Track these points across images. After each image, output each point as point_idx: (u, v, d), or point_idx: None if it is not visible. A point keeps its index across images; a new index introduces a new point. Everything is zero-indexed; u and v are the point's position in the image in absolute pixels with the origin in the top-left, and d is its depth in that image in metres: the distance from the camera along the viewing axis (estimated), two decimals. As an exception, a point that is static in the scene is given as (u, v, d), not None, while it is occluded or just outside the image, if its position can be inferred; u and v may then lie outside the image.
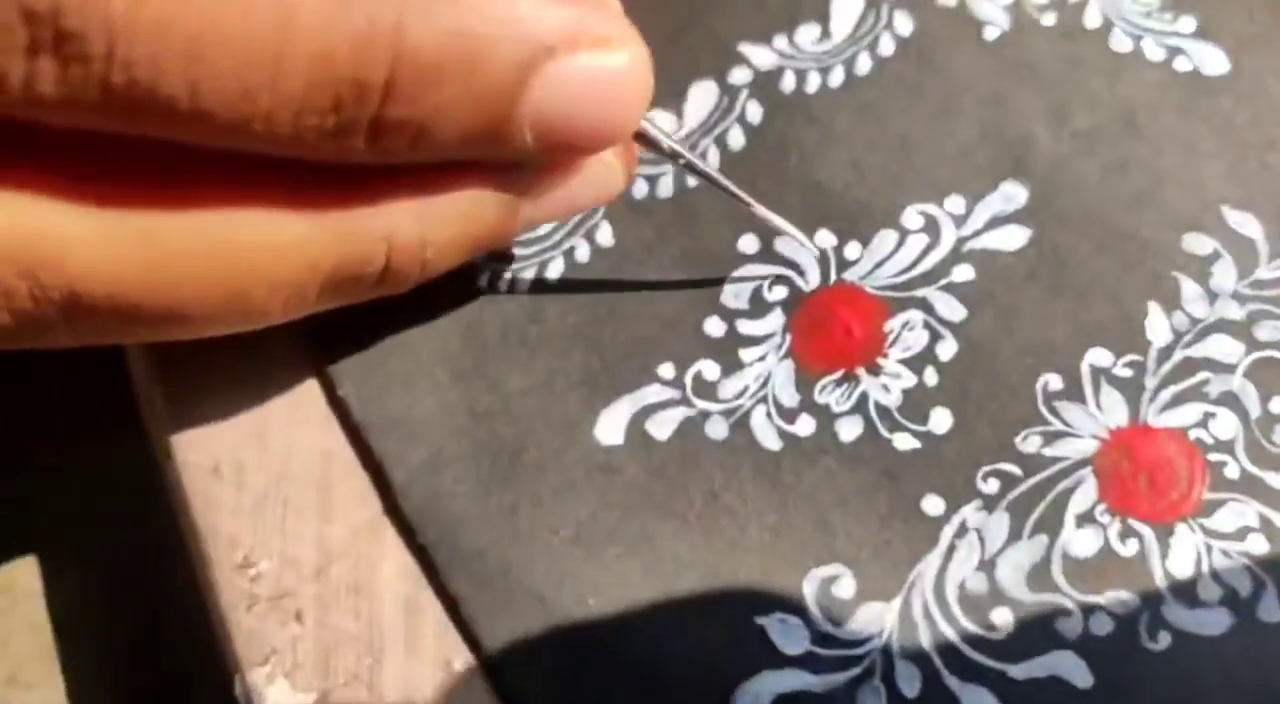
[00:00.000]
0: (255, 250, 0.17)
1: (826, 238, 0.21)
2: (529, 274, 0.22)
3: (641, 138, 0.19)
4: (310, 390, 0.22)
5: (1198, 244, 0.20)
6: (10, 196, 0.15)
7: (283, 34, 0.14)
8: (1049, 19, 0.22)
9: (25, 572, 0.31)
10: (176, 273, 0.16)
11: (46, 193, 0.15)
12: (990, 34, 0.22)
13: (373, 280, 0.18)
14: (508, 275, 0.22)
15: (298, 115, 0.15)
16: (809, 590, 0.19)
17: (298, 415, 0.22)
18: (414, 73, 0.15)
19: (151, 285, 0.16)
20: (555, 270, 0.22)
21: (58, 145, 0.15)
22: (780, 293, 0.21)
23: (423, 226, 0.18)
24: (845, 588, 0.19)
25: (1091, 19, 0.22)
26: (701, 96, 0.23)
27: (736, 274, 0.21)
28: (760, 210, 0.20)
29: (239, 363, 0.22)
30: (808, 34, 0.23)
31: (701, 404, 0.21)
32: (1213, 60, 0.22)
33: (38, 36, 0.13)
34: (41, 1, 0.13)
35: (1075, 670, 0.18)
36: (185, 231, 0.16)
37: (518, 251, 0.22)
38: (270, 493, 0.21)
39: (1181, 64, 0.22)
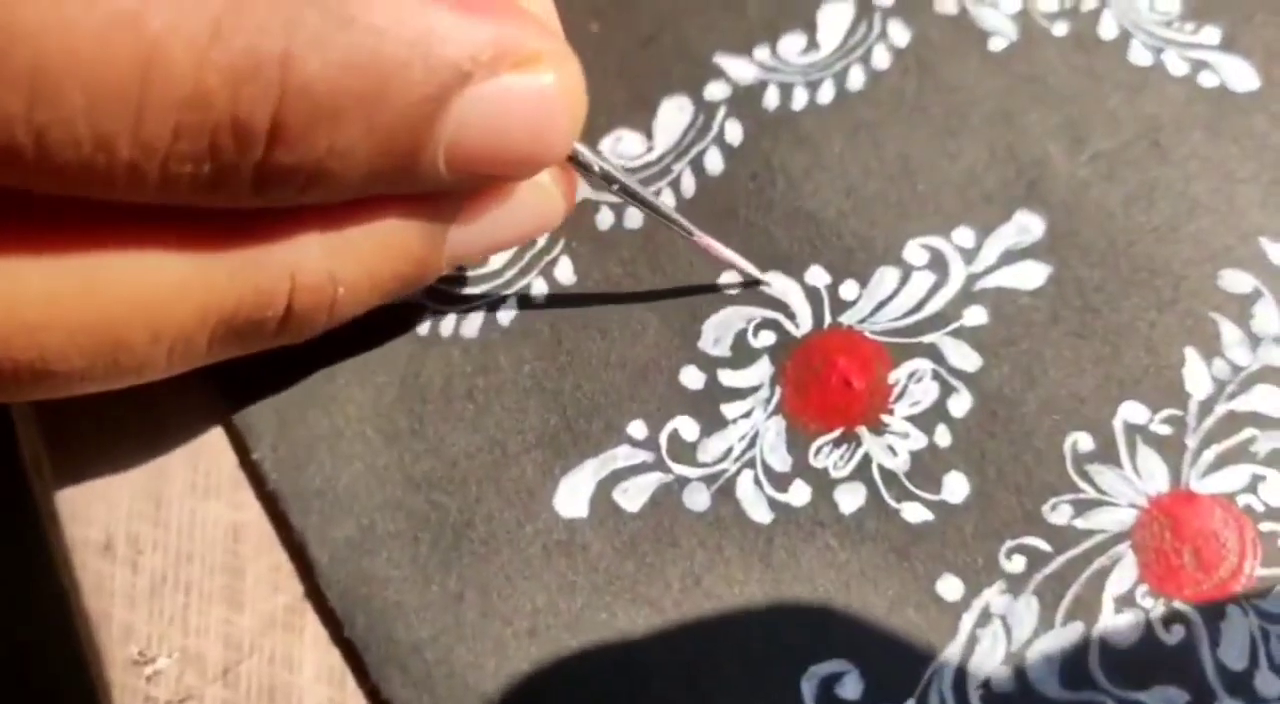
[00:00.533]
0: (131, 294, 0.15)
1: (819, 275, 0.20)
2: (477, 318, 0.20)
3: (575, 161, 0.18)
4: (217, 452, 0.20)
5: (1236, 281, 0.19)
6: None
7: (144, 71, 0.13)
8: (1060, 29, 0.21)
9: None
10: (38, 319, 0.15)
11: None
12: (996, 45, 0.21)
13: (274, 326, 0.17)
14: (451, 319, 0.20)
15: (165, 164, 0.14)
16: (808, 691, 0.17)
17: (202, 482, 0.20)
18: (306, 111, 0.14)
19: (7, 334, 0.15)
20: (507, 313, 0.20)
21: None
22: (768, 338, 0.20)
23: (331, 262, 0.16)
24: (850, 688, 0.17)
25: (1107, 29, 0.21)
26: (673, 114, 0.21)
27: (716, 317, 0.20)
28: (705, 240, 0.19)
29: (135, 421, 0.20)
30: (792, 44, 0.22)
31: (679, 469, 0.19)
32: (1241, 75, 0.20)
33: None
34: None
35: (1120, 782, 0.16)
36: (48, 273, 0.15)
37: (464, 292, 0.21)
38: (169, 575, 0.19)
39: (1207, 79, 0.20)
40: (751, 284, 0.20)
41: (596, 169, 0.18)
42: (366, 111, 0.14)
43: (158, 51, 0.13)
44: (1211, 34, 0.21)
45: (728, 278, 0.20)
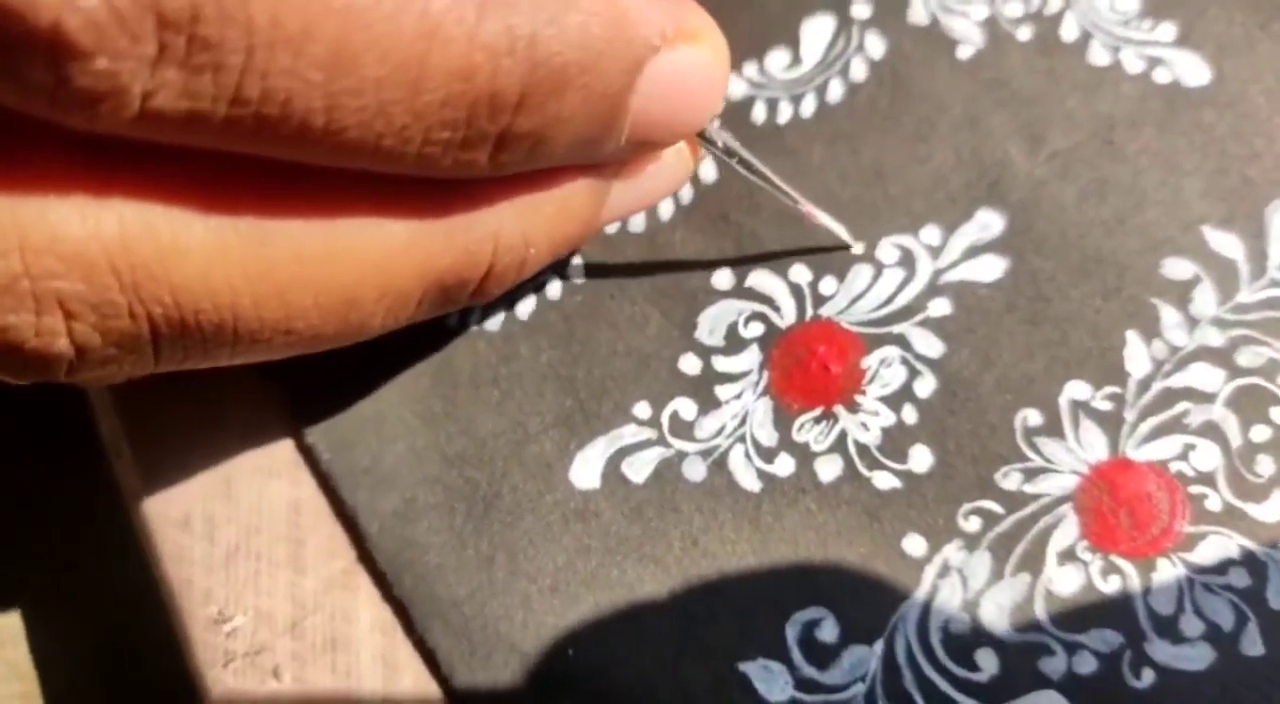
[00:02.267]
0: (366, 257, 0.16)
1: (802, 273, 0.21)
2: (500, 312, 0.22)
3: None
4: (278, 436, 0.22)
5: (1178, 268, 0.20)
6: (116, 203, 0.14)
7: (426, 44, 0.13)
8: (1025, 33, 0.22)
9: (7, 621, 0.31)
10: (288, 280, 0.15)
11: (153, 198, 0.14)
12: (964, 53, 0.22)
13: (475, 285, 0.18)
14: (478, 314, 0.22)
15: (429, 130, 0.14)
16: (791, 635, 0.19)
17: (266, 464, 0.21)
18: (544, 83, 0.15)
19: (261, 295, 0.15)
20: (526, 308, 0.22)
21: (161, 148, 0.14)
22: (756, 329, 0.21)
23: (524, 224, 0.17)
24: (828, 631, 0.19)
25: (1069, 31, 0.22)
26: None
27: (711, 310, 0.21)
28: (807, 207, 0.20)
29: (205, 411, 0.22)
30: (778, 60, 0.23)
31: (678, 444, 0.20)
32: (1193, 70, 0.21)
33: (168, 44, 0.12)
34: (178, 5, 0.12)
35: (1060, 711, 0.17)
36: (297, 236, 0.15)
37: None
38: (241, 546, 0.21)
39: (1161, 75, 0.21)
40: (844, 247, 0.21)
41: (719, 142, 0.19)
42: (585, 82, 0.15)
43: (439, 28, 0.13)
44: (1167, 30, 0.21)
45: (720, 277, 0.21)
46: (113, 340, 0.15)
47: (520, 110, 0.15)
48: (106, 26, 0.12)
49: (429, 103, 0.14)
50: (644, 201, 0.20)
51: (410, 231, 0.16)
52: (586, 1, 0.15)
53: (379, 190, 0.16)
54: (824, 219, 0.20)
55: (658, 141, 0.18)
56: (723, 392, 0.21)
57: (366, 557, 0.20)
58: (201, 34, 0.12)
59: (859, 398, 0.20)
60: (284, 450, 0.21)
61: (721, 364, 0.21)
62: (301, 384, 0.21)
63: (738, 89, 0.22)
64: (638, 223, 0.22)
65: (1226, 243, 0.20)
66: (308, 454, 0.21)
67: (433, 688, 0.19)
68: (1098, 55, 0.21)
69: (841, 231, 0.21)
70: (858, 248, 0.21)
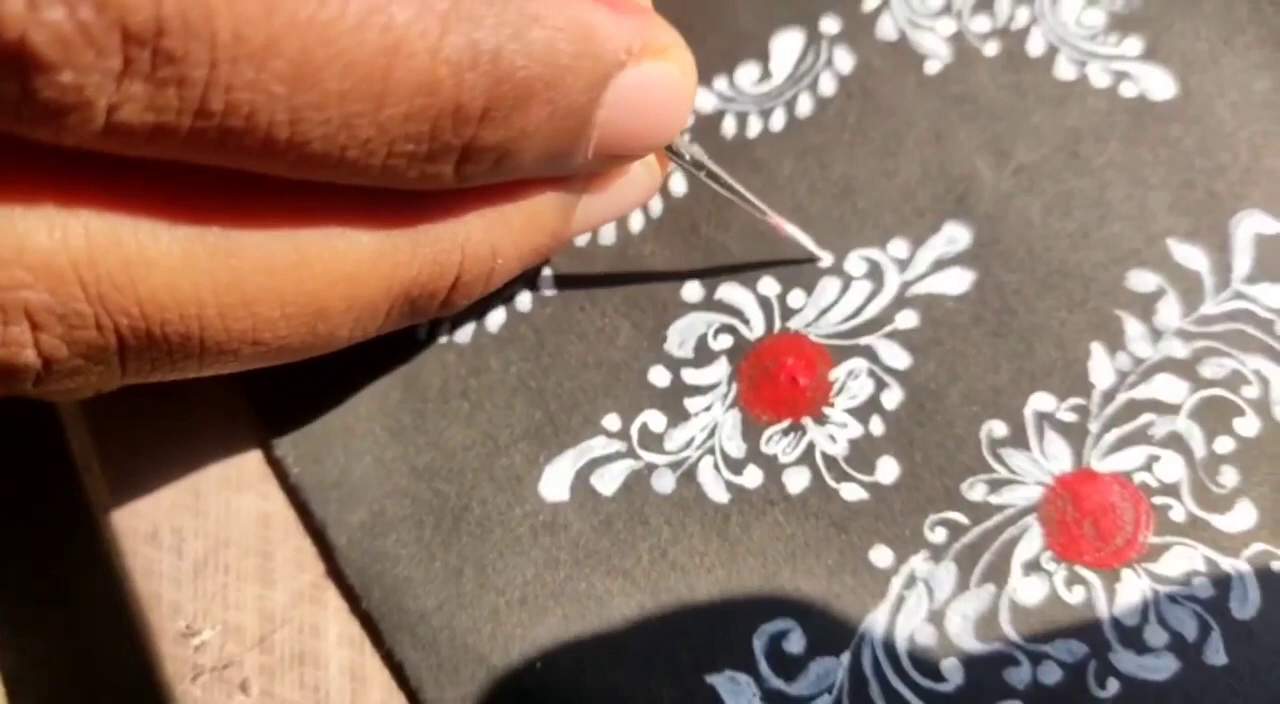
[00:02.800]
0: (334, 267, 0.16)
1: (770, 285, 0.21)
2: (469, 324, 0.22)
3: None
4: (247, 450, 0.22)
5: (1142, 281, 0.20)
6: (83, 214, 0.14)
7: (389, 59, 0.14)
8: (991, 48, 0.22)
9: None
10: (255, 291, 0.15)
11: (120, 209, 0.14)
12: (932, 68, 0.22)
13: (443, 296, 0.18)
14: (447, 326, 0.22)
15: (393, 143, 0.14)
16: (759, 646, 0.19)
17: (235, 478, 0.21)
18: (508, 97, 0.15)
19: (228, 306, 0.15)
20: (496, 320, 0.22)
21: (128, 159, 0.14)
22: (725, 341, 0.21)
23: (491, 236, 0.17)
24: (795, 643, 0.19)
25: (1035, 46, 0.22)
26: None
27: (681, 322, 0.21)
28: (776, 219, 0.20)
29: (174, 424, 0.21)
30: (747, 75, 0.23)
31: (648, 456, 0.20)
32: (1159, 84, 0.21)
33: (133, 59, 0.12)
34: (143, 19, 0.12)
35: (1025, 721, 0.17)
36: (264, 247, 0.15)
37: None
38: (210, 559, 0.21)
39: (1127, 89, 0.21)
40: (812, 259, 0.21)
41: (687, 156, 0.19)
42: (549, 97, 0.15)
43: (402, 43, 0.14)
44: (1134, 45, 0.21)
45: (689, 289, 0.21)
46: (80, 351, 0.15)
47: (484, 123, 0.15)
48: (72, 40, 0.12)
49: (392, 116, 0.14)
50: (613, 213, 0.20)
51: (378, 242, 0.16)
52: (553, 17, 0.15)
53: (346, 201, 0.16)
54: (792, 231, 0.21)
55: (625, 155, 0.18)
56: (692, 404, 0.21)
57: (335, 570, 0.20)
58: (166, 48, 0.12)
59: (827, 410, 0.20)
60: (253, 463, 0.21)
61: (691, 376, 0.21)
62: (270, 397, 0.21)
63: (708, 103, 0.23)
64: (608, 234, 0.22)
65: (1191, 255, 0.20)
66: (276, 467, 0.21)
67: (401, 702, 0.19)
68: (1064, 69, 0.21)
69: (809, 243, 0.21)
70: (826, 259, 0.21)
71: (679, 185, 0.22)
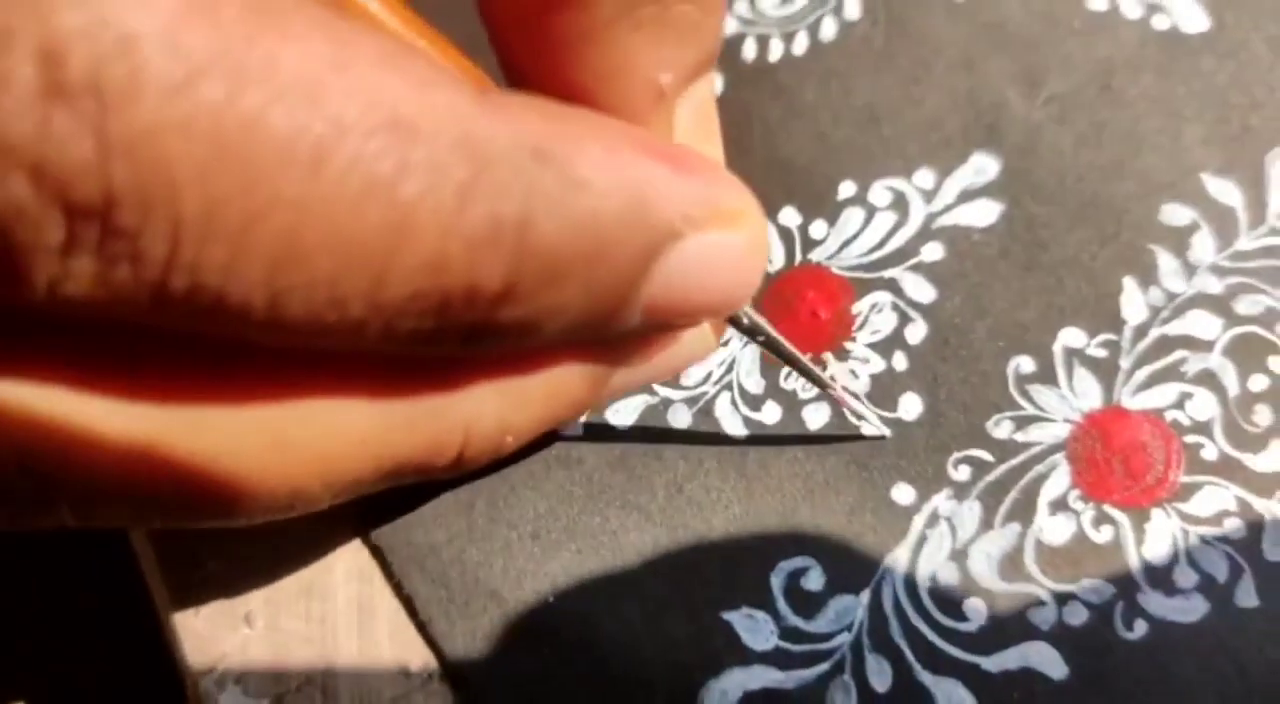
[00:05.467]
0: (316, 449, 0.14)
1: (792, 216, 0.21)
2: None
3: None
4: None
5: (1176, 214, 0.20)
6: (10, 383, 0.12)
7: (393, 238, 0.12)
8: None
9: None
10: (222, 471, 0.14)
11: (66, 380, 0.13)
12: None
13: (439, 471, 0.16)
14: None
15: (390, 321, 0.12)
16: (776, 583, 0.18)
17: None
18: (534, 273, 0.13)
19: (191, 484, 0.13)
20: None
21: (77, 324, 0.12)
22: None
23: (504, 411, 0.15)
24: (814, 581, 0.18)
25: None
26: (660, 65, 0.22)
27: None
28: (839, 392, 0.19)
29: None
30: None
31: (664, 391, 0.20)
32: (1192, 17, 0.21)
33: (78, 233, 0.11)
34: (88, 192, 0.10)
35: (1050, 662, 0.17)
36: (239, 426, 0.13)
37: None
38: None
39: (1160, 22, 0.21)
40: (873, 438, 0.19)
41: (744, 319, 0.18)
42: (586, 270, 0.13)
43: (408, 219, 0.12)
44: None
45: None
46: (24, 513, 0.13)
47: (504, 302, 0.13)
48: (2, 215, 0.10)
49: (394, 296, 0.12)
50: (650, 380, 0.18)
51: (367, 419, 0.14)
52: (600, 181, 0.13)
53: (335, 370, 0.14)
54: (857, 406, 0.19)
55: (674, 326, 0.16)
56: (709, 337, 0.20)
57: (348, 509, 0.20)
58: (118, 223, 0.11)
59: (848, 344, 0.20)
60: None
61: (708, 310, 0.20)
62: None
63: (728, 26, 0.22)
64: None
65: (1225, 190, 0.20)
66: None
67: (410, 635, 0.19)
68: (1096, 0, 0.21)
69: (875, 420, 0.19)
70: (887, 433, 0.19)
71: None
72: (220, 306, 0.11)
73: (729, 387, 0.20)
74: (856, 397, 0.19)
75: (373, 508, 0.19)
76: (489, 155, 0.12)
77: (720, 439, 0.19)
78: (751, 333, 0.18)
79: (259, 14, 0.11)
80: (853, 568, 0.18)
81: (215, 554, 0.20)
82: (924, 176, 0.20)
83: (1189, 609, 0.17)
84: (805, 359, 0.18)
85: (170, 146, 0.10)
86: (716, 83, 0.22)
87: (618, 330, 0.15)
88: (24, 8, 0.10)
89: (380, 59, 0.12)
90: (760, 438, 0.19)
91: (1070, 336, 0.19)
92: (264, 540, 0.20)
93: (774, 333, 0.18)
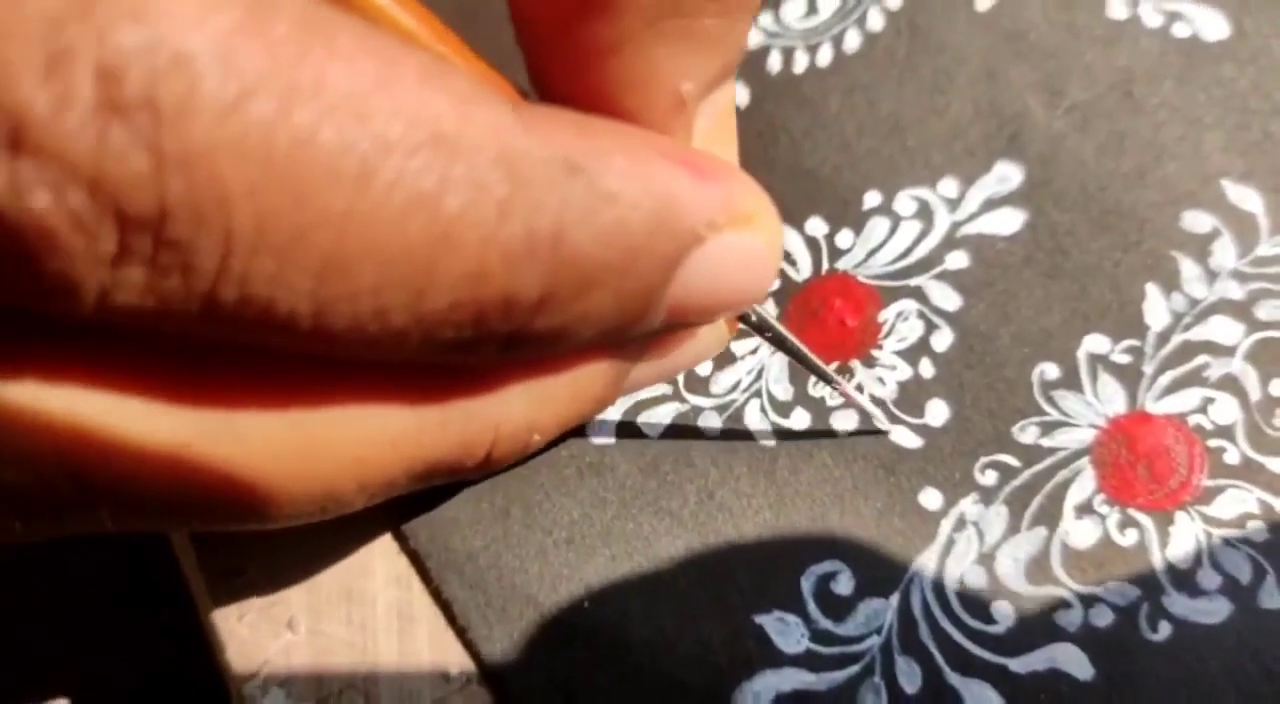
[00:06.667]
0: (350, 449, 0.14)
1: (818, 225, 0.21)
2: None
3: None
4: None
5: (1197, 221, 0.20)
6: (57, 388, 0.13)
7: (435, 251, 0.12)
8: None
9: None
10: (258, 475, 0.14)
11: (108, 386, 0.13)
12: (983, 4, 0.22)
13: (468, 470, 0.16)
14: None
15: (430, 331, 0.13)
16: (807, 587, 0.19)
17: None
18: (569, 283, 0.13)
19: (227, 488, 0.14)
20: None
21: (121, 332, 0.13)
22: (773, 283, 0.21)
23: (531, 411, 0.16)
24: (843, 584, 0.19)
25: None
26: (686, 77, 0.22)
27: None
28: (844, 387, 0.19)
29: None
30: (793, 9, 0.23)
31: (694, 399, 0.20)
32: (1212, 24, 0.21)
33: (131, 244, 0.11)
34: (143, 205, 0.11)
35: (1076, 663, 0.17)
36: (274, 430, 0.14)
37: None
38: None
39: (1180, 30, 0.21)
40: (876, 433, 0.19)
41: (752, 316, 0.18)
42: (617, 279, 0.14)
43: (449, 233, 0.12)
44: None
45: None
46: (63, 517, 0.14)
47: (539, 312, 0.13)
48: (58, 226, 0.11)
49: (435, 306, 0.13)
50: (669, 374, 0.19)
51: (401, 422, 0.15)
52: (629, 193, 0.13)
53: (368, 375, 0.14)
54: (861, 401, 0.19)
55: (694, 324, 0.17)
56: (738, 347, 0.20)
57: (382, 509, 0.20)
58: (170, 235, 0.11)
59: (875, 352, 0.20)
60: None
61: (737, 318, 0.21)
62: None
63: (752, 37, 0.22)
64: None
65: (1246, 196, 0.20)
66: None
67: (449, 639, 0.19)
68: (1116, 9, 0.21)
69: (879, 416, 0.19)
70: (892, 431, 0.20)
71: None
72: (267, 317, 0.12)
73: (758, 394, 0.20)
74: (861, 391, 0.20)
75: (405, 506, 0.20)
76: (526, 170, 0.13)
77: (745, 435, 0.20)
78: (759, 329, 0.18)
79: (308, 32, 0.11)
80: (882, 572, 0.18)
81: (254, 556, 0.20)
82: (948, 186, 0.21)
83: (1213, 611, 0.17)
84: (811, 355, 0.19)
85: (223, 162, 0.11)
86: (742, 95, 0.22)
87: (642, 332, 0.15)
88: (84, 28, 0.10)
89: (422, 76, 0.12)
90: (782, 432, 0.20)
91: (1094, 343, 0.19)
92: (300, 544, 0.20)
93: (780, 328, 0.18)
